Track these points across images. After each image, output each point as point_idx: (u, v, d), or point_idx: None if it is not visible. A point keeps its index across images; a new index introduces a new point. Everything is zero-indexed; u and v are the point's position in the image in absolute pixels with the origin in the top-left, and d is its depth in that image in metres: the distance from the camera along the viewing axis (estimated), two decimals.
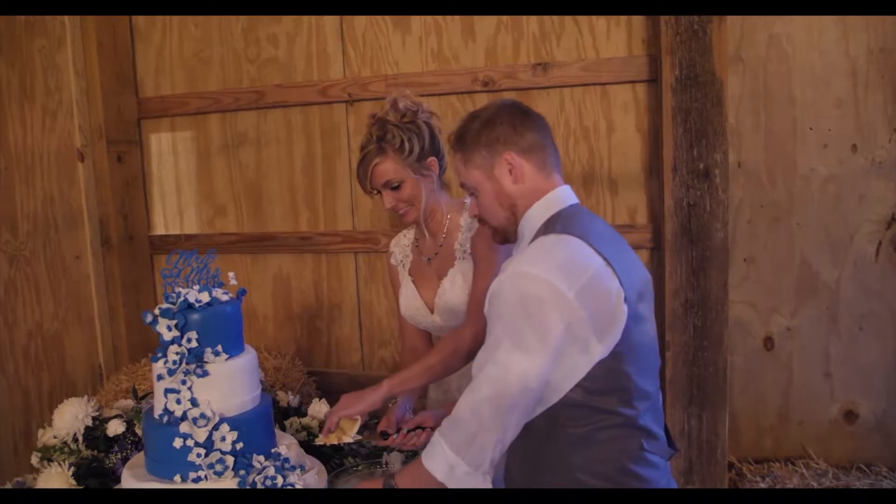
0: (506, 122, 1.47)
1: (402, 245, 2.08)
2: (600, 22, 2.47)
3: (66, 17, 2.78)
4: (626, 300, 1.32)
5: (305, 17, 2.79)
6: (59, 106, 2.81)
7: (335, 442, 1.72)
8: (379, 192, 1.89)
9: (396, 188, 1.85)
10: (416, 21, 2.66)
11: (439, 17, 2.63)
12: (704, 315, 2.33)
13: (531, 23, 2.54)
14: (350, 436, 1.70)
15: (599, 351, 1.30)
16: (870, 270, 2.50)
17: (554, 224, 1.41)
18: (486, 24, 2.59)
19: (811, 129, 2.49)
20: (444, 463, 1.32)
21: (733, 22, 2.42)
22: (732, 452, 2.61)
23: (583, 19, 2.48)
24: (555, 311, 1.28)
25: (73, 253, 2.87)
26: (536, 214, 1.45)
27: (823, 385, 2.59)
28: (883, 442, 2.57)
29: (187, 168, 3.05)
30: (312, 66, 2.81)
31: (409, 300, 1.99)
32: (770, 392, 2.64)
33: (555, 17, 2.51)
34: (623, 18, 2.45)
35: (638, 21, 2.44)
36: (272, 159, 2.92)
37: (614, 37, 2.47)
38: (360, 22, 2.73)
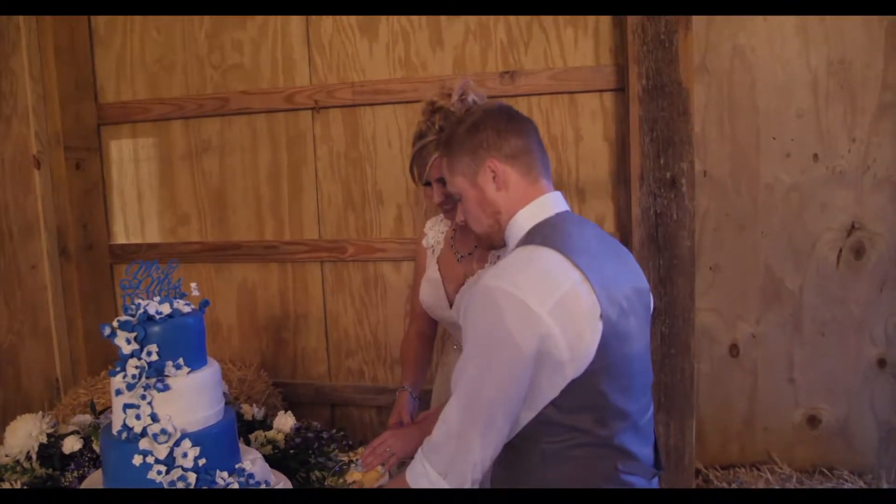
0: (489, 127, 1.44)
1: (436, 230, 2.02)
2: (568, 31, 2.48)
3: (21, 20, 2.70)
4: (601, 317, 1.27)
5: (271, 23, 2.76)
6: (14, 112, 2.73)
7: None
8: (428, 183, 1.81)
9: None
10: (384, 28, 2.64)
11: (406, 25, 2.62)
12: (671, 323, 2.34)
13: (499, 31, 2.54)
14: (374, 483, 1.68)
15: (573, 369, 1.26)
16: (831, 277, 2.55)
17: (535, 234, 1.37)
18: (453, 31, 2.58)
19: (774, 138, 2.53)
20: (427, 482, 1.30)
21: (698, 32, 2.45)
22: (699, 459, 2.63)
23: (550, 28, 2.49)
24: (524, 328, 1.23)
25: (28, 263, 2.78)
26: (521, 223, 1.41)
27: (787, 391, 2.63)
28: (845, 446, 2.61)
29: (149, 176, 2.98)
30: (278, 73, 2.77)
31: (433, 289, 1.95)
32: (736, 398, 2.67)
33: (523, 26, 2.51)
34: (591, 27, 2.46)
35: (605, 30, 2.45)
36: (237, 167, 2.87)
37: (581, 46, 2.48)
38: (327, 28, 2.70)
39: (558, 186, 1.65)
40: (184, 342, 1.46)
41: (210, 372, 1.51)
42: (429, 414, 1.82)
